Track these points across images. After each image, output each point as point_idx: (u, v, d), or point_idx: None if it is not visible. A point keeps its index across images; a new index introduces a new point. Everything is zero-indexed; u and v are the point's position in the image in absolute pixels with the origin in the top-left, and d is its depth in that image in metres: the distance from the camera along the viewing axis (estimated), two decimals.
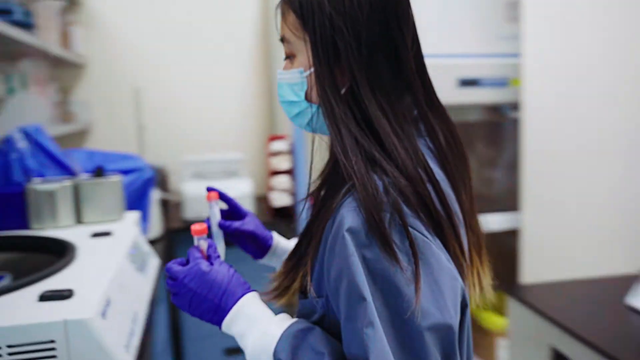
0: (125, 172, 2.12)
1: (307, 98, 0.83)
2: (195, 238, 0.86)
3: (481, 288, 0.86)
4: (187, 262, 0.84)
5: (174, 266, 0.83)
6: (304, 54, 0.81)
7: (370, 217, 0.69)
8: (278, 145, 2.88)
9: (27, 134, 1.88)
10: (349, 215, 0.70)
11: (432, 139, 0.82)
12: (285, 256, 0.99)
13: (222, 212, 1.00)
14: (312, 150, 0.84)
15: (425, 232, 0.71)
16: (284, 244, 1.07)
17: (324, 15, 0.77)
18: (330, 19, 0.77)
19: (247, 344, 0.77)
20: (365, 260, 0.68)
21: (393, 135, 0.75)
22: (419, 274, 0.67)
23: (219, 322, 0.80)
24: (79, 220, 1.40)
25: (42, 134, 1.93)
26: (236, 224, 1.00)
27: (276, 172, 2.88)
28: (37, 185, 1.35)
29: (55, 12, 2.46)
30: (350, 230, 0.69)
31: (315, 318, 0.78)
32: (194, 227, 0.85)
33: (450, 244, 0.74)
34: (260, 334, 0.76)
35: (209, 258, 0.84)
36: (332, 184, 0.82)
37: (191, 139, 3.24)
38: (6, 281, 1.19)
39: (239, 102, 3.30)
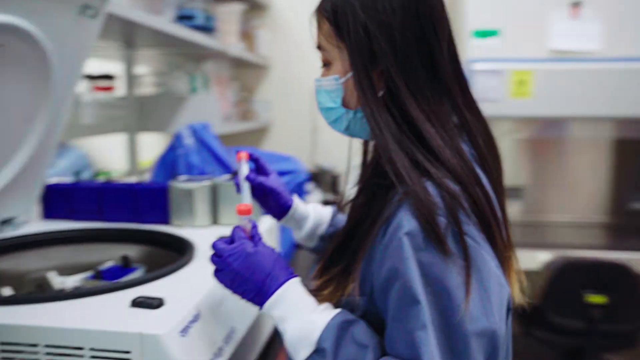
0: (280, 174, 2.15)
1: (344, 104, 0.87)
2: (239, 218, 0.89)
3: (520, 283, 0.87)
4: (232, 241, 0.86)
5: (220, 243, 0.86)
6: (339, 62, 0.85)
7: (426, 222, 0.71)
8: None
9: (194, 131, 1.99)
10: (406, 219, 0.72)
11: (472, 143, 0.83)
12: (304, 222, 1.12)
13: (251, 170, 1.09)
14: (349, 155, 0.90)
15: (478, 238, 0.73)
16: (303, 209, 1.12)
17: (358, 23, 0.79)
18: (364, 26, 0.79)
19: (288, 329, 0.79)
20: (420, 264, 0.70)
21: (438, 137, 0.77)
22: (470, 280, 0.70)
23: (260, 304, 0.82)
24: (215, 221, 1.41)
25: (207, 131, 2.03)
26: (261, 178, 1.08)
27: None
28: (178, 183, 1.39)
29: (237, 16, 2.59)
30: (408, 234, 0.71)
31: (356, 315, 0.79)
32: (240, 207, 0.88)
33: (498, 244, 0.76)
34: (303, 321, 0.78)
35: (252, 238, 0.87)
36: (373, 189, 0.84)
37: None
38: (139, 273, 1.24)
39: None
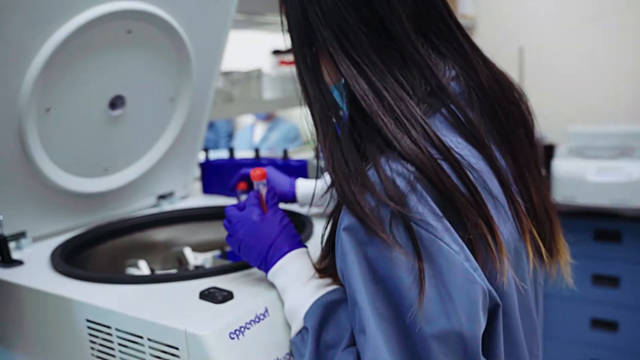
0: None
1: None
2: (255, 183, 0.88)
3: (541, 255, 0.75)
4: (244, 207, 0.87)
5: (230, 209, 0.87)
6: None
7: (360, 216, 0.63)
8: None
9: None
10: (345, 214, 0.66)
11: (449, 111, 0.70)
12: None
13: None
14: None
15: (437, 227, 0.62)
16: (304, 192, 1.17)
17: None
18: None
19: (285, 300, 0.79)
20: (367, 259, 0.64)
21: (389, 116, 0.66)
22: (423, 277, 0.62)
23: (265, 272, 0.82)
24: None
25: None
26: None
27: None
28: (314, 160, 1.31)
29: None
30: (348, 229, 0.65)
31: None
32: (254, 173, 0.87)
33: (472, 222, 0.64)
34: (295, 296, 0.77)
35: (267, 203, 0.86)
36: None
37: (578, 105, 2.72)
38: None
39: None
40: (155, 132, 1.32)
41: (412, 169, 0.63)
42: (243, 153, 2.45)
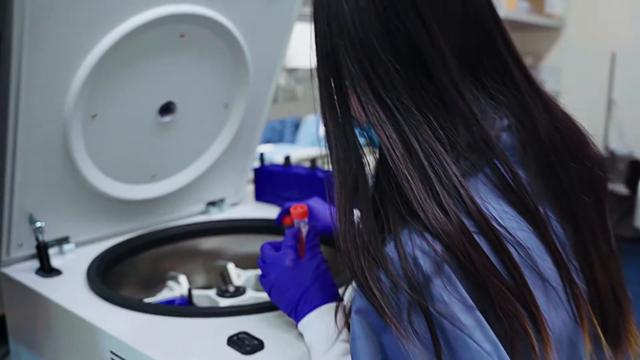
0: None
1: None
2: (295, 222, 0.81)
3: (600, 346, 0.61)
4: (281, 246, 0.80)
5: (267, 247, 0.81)
6: None
7: (372, 302, 0.53)
8: None
9: None
10: (357, 294, 0.57)
11: (494, 170, 0.57)
12: None
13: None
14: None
15: (464, 319, 0.51)
16: None
17: (322, 22, 0.61)
18: (327, 24, 0.60)
19: (311, 357, 0.71)
20: (380, 347, 0.55)
21: (416, 176, 0.54)
22: None
23: (295, 321, 0.75)
24: None
25: None
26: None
27: None
28: None
29: None
30: (359, 312, 0.56)
31: None
32: (294, 210, 0.81)
33: (509, 313, 0.52)
34: (320, 358, 0.68)
35: (306, 244, 0.79)
36: None
37: None
38: None
39: None
40: (207, 138, 1.26)
41: (439, 246, 0.51)
42: (302, 152, 2.39)
